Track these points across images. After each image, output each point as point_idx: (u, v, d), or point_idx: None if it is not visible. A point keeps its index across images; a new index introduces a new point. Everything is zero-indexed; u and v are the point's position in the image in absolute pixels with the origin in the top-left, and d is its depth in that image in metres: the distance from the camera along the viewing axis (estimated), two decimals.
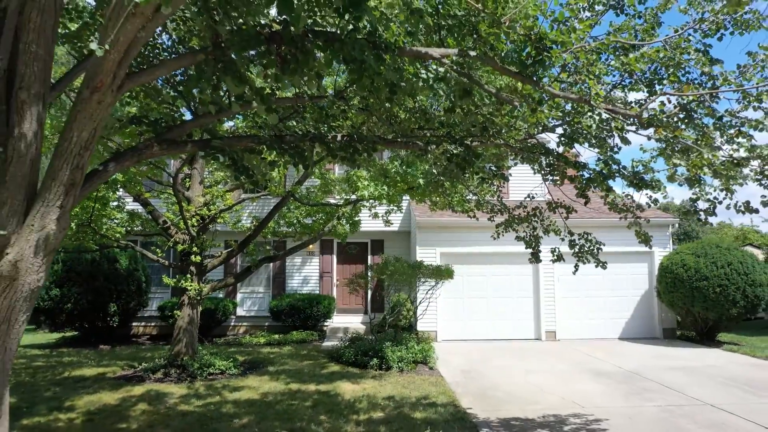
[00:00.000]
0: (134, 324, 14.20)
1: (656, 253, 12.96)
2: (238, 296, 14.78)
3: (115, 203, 9.78)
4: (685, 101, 4.22)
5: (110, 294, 12.32)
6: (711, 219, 4.49)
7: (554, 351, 11.39)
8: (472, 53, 3.39)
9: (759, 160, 3.84)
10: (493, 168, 5.29)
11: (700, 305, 11.31)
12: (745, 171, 4.27)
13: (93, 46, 2.90)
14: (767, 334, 13.57)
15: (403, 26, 3.68)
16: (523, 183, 13.06)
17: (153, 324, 14.33)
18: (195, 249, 8.93)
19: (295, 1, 3.19)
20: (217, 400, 7.26)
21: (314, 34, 3.43)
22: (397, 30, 3.69)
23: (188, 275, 9.01)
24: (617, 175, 4.79)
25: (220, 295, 13.91)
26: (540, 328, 12.92)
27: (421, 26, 3.56)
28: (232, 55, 3.41)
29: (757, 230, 36.89)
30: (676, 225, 14.23)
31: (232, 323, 14.55)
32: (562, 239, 6.17)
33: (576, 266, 6.15)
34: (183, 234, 9.07)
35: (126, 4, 2.80)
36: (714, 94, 4.08)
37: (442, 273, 10.54)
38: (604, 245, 6.09)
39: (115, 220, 9.47)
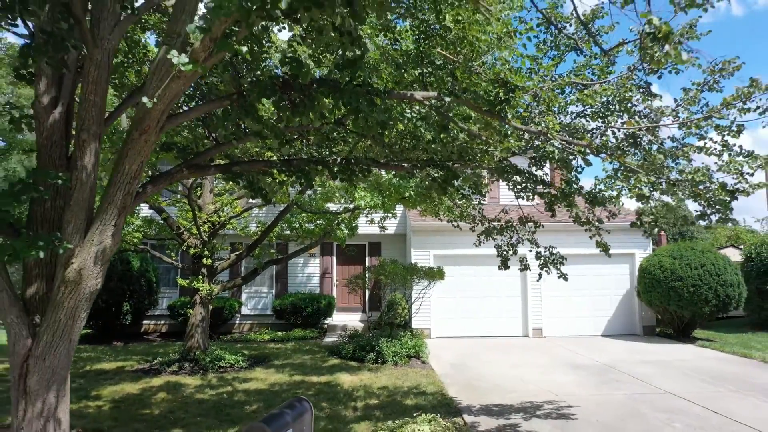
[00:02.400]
0: (145, 322, 14.98)
1: (637, 255, 13.79)
2: (243, 296, 15.57)
3: None
4: (631, 131, 5.01)
5: (123, 294, 13.10)
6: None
7: (539, 347, 12.19)
8: (447, 99, 4.17)
9: (690, 183, 4.62)
10: (472, 186, 6.07)
11: (676, 304, 12.12)
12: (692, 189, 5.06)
13: (144, 99, 3.69)
14: (744, 331, 14.36)
15: (392, 76, 4.46)
16: None
17: (163, 322, 15.12)
18: (206, 252, 9.72)
19: (303, 62, 3.96)
20: (228, 390, 8.05)
21: (319, 83, 4.21)
22: (386, 77, 4.47)
23: (200, 276, 9.79)
24: (576, 194, 5.58)
25: (226, 295, 14.68)
26: (527, 325, 13.73)
27: (405, 75, 4.35)
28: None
29: (751, 230, 37.72)
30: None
31: (238, 321, 15.35)
32: (530, 250, 6.92)
33: (539, 275, 6.94)
34: (195, 239, 9.86)
35: (173, 69, 3.58)
36: (655, 126, 4.86)
37: (434, 274, 11.35)
38: (566, 260, 6.80)
39: (132, 226, 10.25)
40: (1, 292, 3.89)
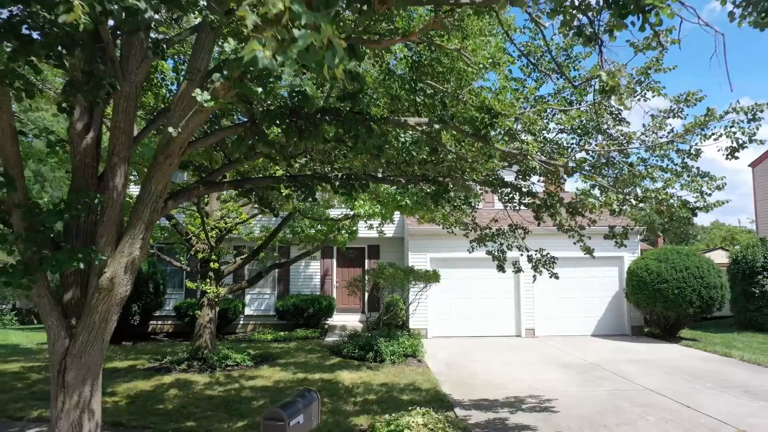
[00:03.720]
0: (152, 323, 15.52)
1: (626, 258, 14.33)
2: (247, 297, 16.10)
3: None
4: (604, 152, 5.55)
5: (131, 295, 13.62)
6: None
7: (531, 346, 12.73)
8: (437, 126, 4.70)
9: (654, 200, 5.15)
10: (462, 197, 6.60)
11: (661, 305, 12.67)
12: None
13: (170, 129, 4.21)
14: (730, 331, 14.89)
15: (387, 104, 4.99)
16: None
17: (170, 322, 15.65)
18: (213, 257, 10.25)
19: (309, 94, 4.50)
20: (236, 387, 8.58)
21: (322, 112, 4.74)
22: (383, 105, 5.00)
23: (207, 279, 10.32)
24: (558, 204, 6.11)
25: (230, 296, 15.20)
26: (520, 325, 14.27)
27: (399, 105, 4.88)
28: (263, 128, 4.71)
29: (747, 230, 38.28)
30: (643, 232, 15.60)
31: (242, 322, 15.88)
32: (521, 254, 7.46)
33: (534, 277, 7.46)
34: (203, 244, 10.39)
35: (195, 104, 4.10)
36: (623, 149, 5.40)
37: (431, 277, 11.89)
38: (557, 260, 7.34)
39: None
40: (43, 298, 4.42)
